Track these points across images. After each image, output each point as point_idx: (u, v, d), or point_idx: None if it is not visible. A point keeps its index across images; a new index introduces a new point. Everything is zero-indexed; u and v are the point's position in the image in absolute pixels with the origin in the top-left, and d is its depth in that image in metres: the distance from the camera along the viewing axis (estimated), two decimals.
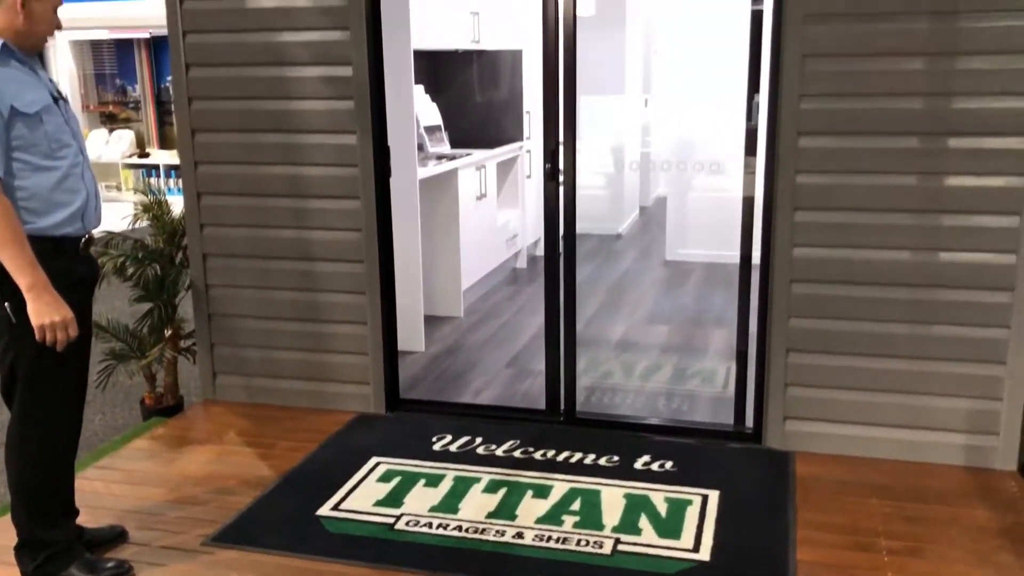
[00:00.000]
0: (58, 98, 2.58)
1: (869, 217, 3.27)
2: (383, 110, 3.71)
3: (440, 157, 5.46)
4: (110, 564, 2.73)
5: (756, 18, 3.33)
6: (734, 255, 6.49)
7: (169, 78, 10.33)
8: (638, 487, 3.22)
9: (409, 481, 3.31)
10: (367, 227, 3.75)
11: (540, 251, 7.14)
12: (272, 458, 3.53)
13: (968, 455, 3.34)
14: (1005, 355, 3.22)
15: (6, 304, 2.44)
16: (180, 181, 3.96)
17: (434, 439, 3.66)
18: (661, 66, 8.61)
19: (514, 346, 4.87)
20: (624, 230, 7.90)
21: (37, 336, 2.41)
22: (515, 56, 6.37)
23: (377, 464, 3.45)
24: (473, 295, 5.78)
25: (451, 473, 3.36)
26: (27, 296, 2.38)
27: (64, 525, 2.71)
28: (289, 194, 3.81)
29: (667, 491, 3.19)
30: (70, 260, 2.58)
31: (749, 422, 3.61)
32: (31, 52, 2.56)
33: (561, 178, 3.62)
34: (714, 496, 3.15)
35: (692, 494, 3.17)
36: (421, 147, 5.46)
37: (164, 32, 3.85)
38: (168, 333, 4.04)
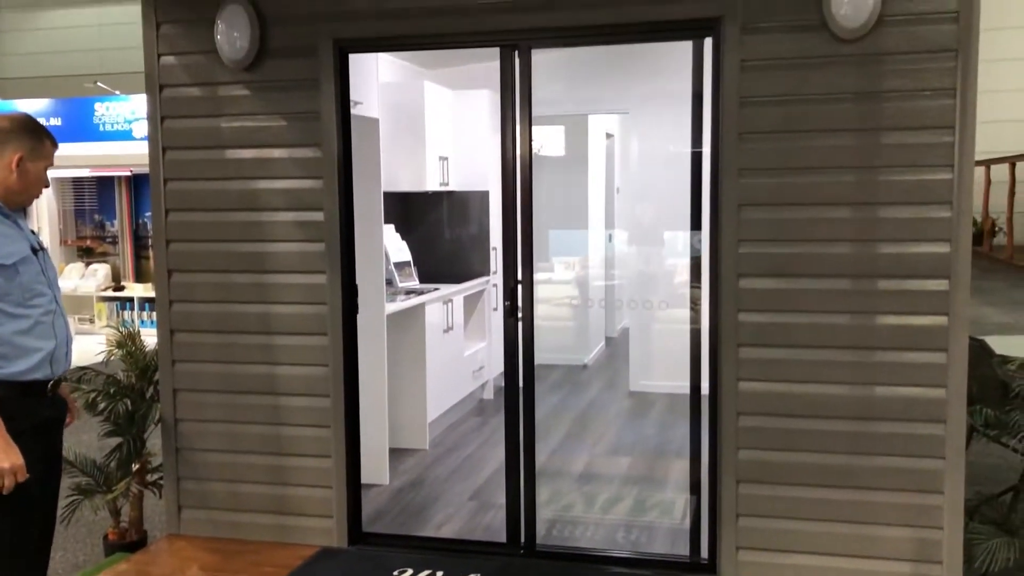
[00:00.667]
0: (38, 249, 2.73)
1: (808, 353, 3.48)
2: (352, 251, 3.92)
3: (409, 292, 5.67)
4: None
5: (696, 159, 3.63)
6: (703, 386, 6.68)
7: (148, 213, 10.65)
8: None
9: None
10: (334, 362, 3.89)
11: None
12: None
13: None
14: (942, 485, 3.37)
15: None
16: (154, 314, 4.11)
17: (395, 572, 3.69)
18: (622, 202, 9.05)
19: (478, 479, 4.95)
20: (590, 361, 8.08)
21: None
22: (483, 196, 6.70)
23: None
24: (439, 427, 5.88)
25: None
26: None
27: None
28: (260, 331, 3.97)
29: None
30: (36, 403, 2.67)
31: (704, 553, 3.69)
32: (18, 208, 2.74)
33: (520, 314, 3.82)
34: None
35: None
36: (390, 282, 5.68)
37: (145, 170, 4.09)
38: (136, 467, 4.10)
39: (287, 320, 3.94)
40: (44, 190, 2.85)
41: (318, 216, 3.86)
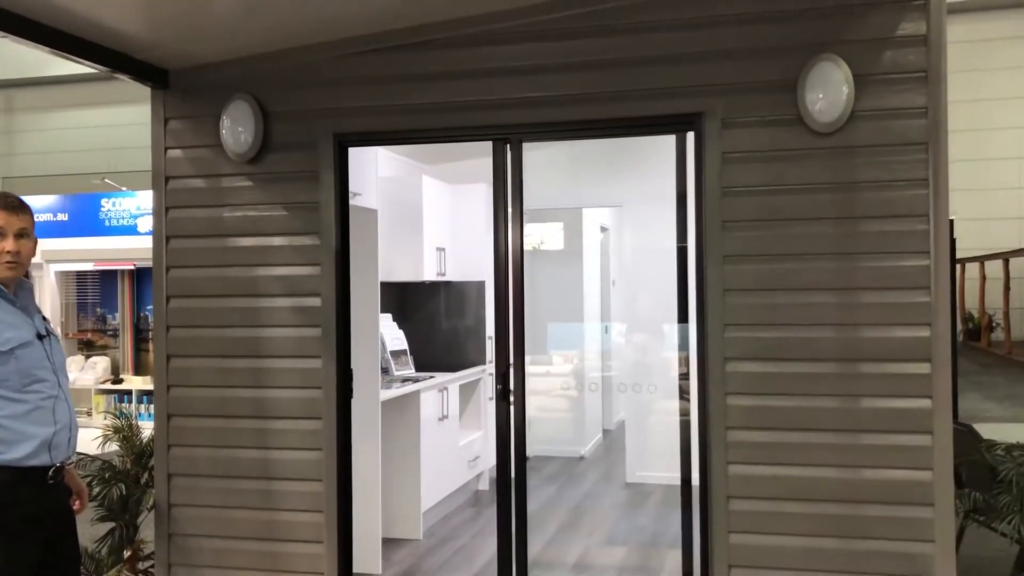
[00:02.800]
0: (44, 335, 2.76)
1: (796, 436, 3.52)
2: (348, 336, 4.01)
3: (405, 380, 5.72)
4: None
5: (682, 253, 3.75)
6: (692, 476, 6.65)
7: (149, 307, 10.79)
8: None
9: None
10: (327, 446, 3.93)
11: None
12: None
13: None
14: (932, 569, 3.37)
15: None
16: (152, 407, 4.17)
17: None
18: (618, 294, 9.18)
19: (471, 570, 4.91)
20: (587, 452, 8.06)
21: None
22: (479, 286, 6.82)
23: None
24: (433, 516, 5.85)
25: None
26: None
27: None
28: (256, 415, 4.02)
29: None
30: (36, 490, 2.66)
31: None
32: (7, 284, 2.73)
33: (511, 398, 3.87)
34: None
35: None
36: (386, 370, 5.75)
37: (148, 263, 4.21)
38: (127, 554, 4.09)
39: (282, 404, 3.99)
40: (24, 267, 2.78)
41: (315, 302, 3.96)
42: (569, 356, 8.00)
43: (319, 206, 3.96)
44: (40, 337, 2.76)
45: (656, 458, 7.05)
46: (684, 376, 3.76)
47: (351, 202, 4.08)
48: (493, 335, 7.06)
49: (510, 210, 3.88)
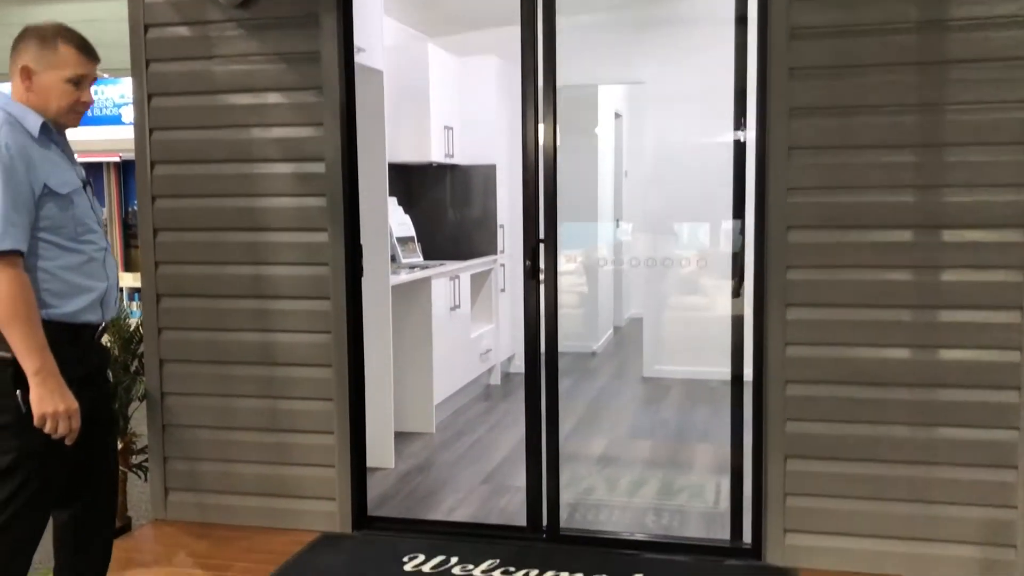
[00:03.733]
0: (86, 183, 2.47)
1: (864, 313, 3.14)
2: (356, 206, 3.57)
3: (413, 267, 5.31)
4: None
5: (739, 147, 3.28)
6: (713, 371, 6.32)
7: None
8: None
9: None
10: (336, 329, 3.54)
11: (514, 368, 6.94)
12: None
13: (984, 569, 3.09)
14: (1015, 458, 3.03)
15: (18, 392, 2.25)
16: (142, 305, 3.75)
17: (405, 559, 3.34)
18: (631, 189, 8.72)
19: (489, 463, 4.59)
20: (599, 348, 7.74)
21: (36, 422, 2.23)
22: (489, 170, 6.35)
23: None
24: (445, 410, 5.53)
25: None
26: (32, 381, 2.22)
27: None
28: (254, 295, 3.61)
29: None
30: (85, 350, 2.43)
31: (747, 537, 3.34)
32: (60, 130, 2.44)
33: (542, 276, 3.47)
34: None
35: None
36: (394, 258, 5.33)
37: (134, 156, 3.70)
38: (119, 447, 3.73)
39: (285, 282, 3.58)
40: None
41: (318, 167, 3.51)
42: (578, 255, 7.60)
43: (320, 57, 3.46)
44: (84, 185, 2.46)
45: (674, 352, 6.74)
46: (738, 273, 3.34)
47: (355, 58, 3.57)
48: (506, 223, 6.68)
49: (540, 76, 3.39)
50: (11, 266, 2.21)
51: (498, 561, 3.30)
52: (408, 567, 3.27)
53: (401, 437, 4.95)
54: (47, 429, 2.23)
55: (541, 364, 3.53)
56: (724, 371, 6.43)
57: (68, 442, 2.28)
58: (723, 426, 5.31)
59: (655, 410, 5.74)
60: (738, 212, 3.31)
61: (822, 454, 3.19)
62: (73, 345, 2.36)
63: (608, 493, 4.14)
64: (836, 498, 3.19)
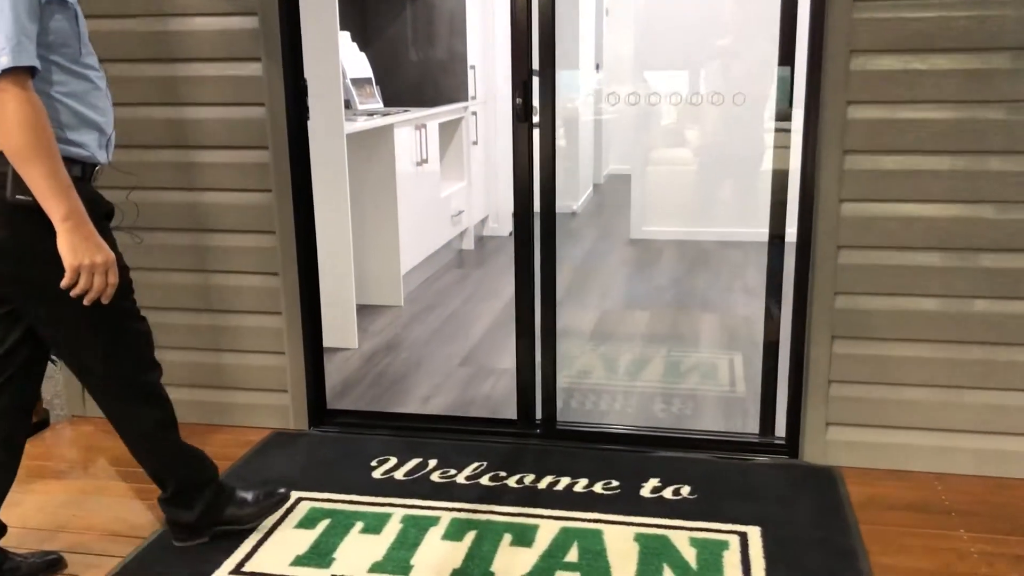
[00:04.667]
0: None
1: (940, 161, 2.51)
2: (297, 27, 2.81)
3: (371, 114, 4.56)
4: (277, 491, 2.44)
5: None
6: (708, 231, 5.73)
7: None
8: (651, 524, 2.40)
9: (342, 525, 2.43)
10: (279, 186, 2.85)
11: (489, 231, 6.30)
12: (154, 496, 2.61)
13: None
14: None
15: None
16: None
17: (373, 463, 2.78)
18: (614, 26, 7.86)
19: (467, 340, 4.01)
20: (579, 207, 7.10)
21: (67, 280, 1.87)
22: (457, 2, 5.49)
23: (298, 501, 2.56)
24: (414, 280, 4.91)
25: (399, 512, 2.49)
26: (61, 228, 1.85)
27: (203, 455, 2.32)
28: (175, 144, 2.88)
29: (691, 529, 2.38)
30: (95, 192, 2.04)
31: (780, 430, 2.83)
32: None
33: (537, 118, 2.77)
34: (754, 534, 2.35)
35: (725, 533, 2.36)
36: (348, 104, 4.57)
37: None
38: None
39: (210, 127, 2.85)
40: None
41: None
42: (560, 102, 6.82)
43: None
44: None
45: (664, 212, 6.13)
46: (784, 116, 2.65)
47: None
48: (477, 64, 5.88)
49: None
50: (25, 88, 1.78)
51: (485, 464, 2.76)
52: (377, 473, 2.72)
53: (365, 312, 4.34)
54: (81, 285, 1.88)
55: (534, 224, 2.89)
56: (721, 231, 5.86)
57: (105, 300, 1.93)
58: (726, 293, 4.81)
59: (648, 276, 5.17)
60: (786, 53, 2.62)
61: (877, 334, 2.63)
62: (85, 185, 1.98)
63: (607, 375, 3.59)
64: (891, 386, 2.66)
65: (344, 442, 2.95)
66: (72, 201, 1.84)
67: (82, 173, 1.97)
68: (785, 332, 2.77)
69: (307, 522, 2.45)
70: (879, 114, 2.51)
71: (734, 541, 2.32)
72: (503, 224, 6.29)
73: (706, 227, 5.90)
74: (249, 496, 2.40)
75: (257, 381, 3.04)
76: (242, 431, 3.05)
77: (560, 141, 7.04)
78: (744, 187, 5.93)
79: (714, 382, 3.46)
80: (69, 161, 1.90)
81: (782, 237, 2.77)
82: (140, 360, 2.15)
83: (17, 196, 1.84)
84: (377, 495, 2.59)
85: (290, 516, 2.48)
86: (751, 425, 3.01)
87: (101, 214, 2.02)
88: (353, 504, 2.54)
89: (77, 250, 1.85)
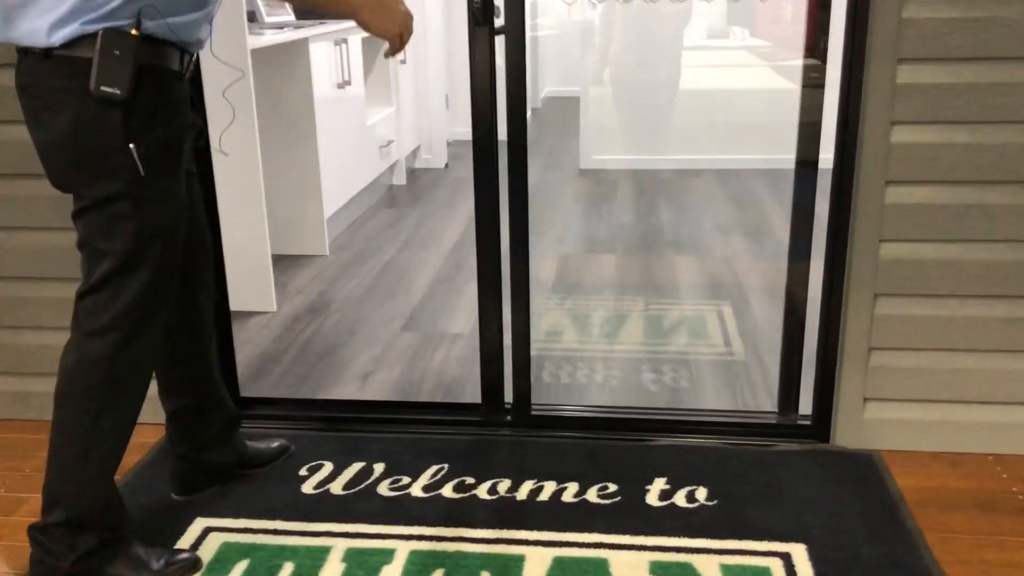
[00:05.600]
0: None
1: (1012, 71, 1.98)
2: None
3: (281, 27, 3.81)
4: (182, 556, 1.84)
5: None
6: (668, 159, 5.17)
7: None
8: (669, 548, 1.88)
9: (265, 568, 1.84)
10: None
11: (421, 163, 5.63)
12: (19, 517, 1.98)
13: None
14: None
15: (131, 145, 1.55)
16: None
17: (303, 471, 2.19)
18: None
19: (409, 298, 3.40)
20: None
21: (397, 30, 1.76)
22: None
23: (206, 533, 1.96)
24: (339, 224, 4.25)
25: (340, 544, 1.91)
26: (360, 14, 1.73)
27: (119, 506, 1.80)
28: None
29: (719, 552, 1.86)
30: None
31: (803, 407, 2.32)
32: None
33: (500, 21, 2.13)
34: (799, 555, 1.84)
35: (762, 555, 1.85)
36: (253, 15, 3.80)
37: None
38: None
39: None
40: None
41: None
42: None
43: None
44: None
45: (618, 139, 5.57)
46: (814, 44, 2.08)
47: None
48: None
49: None
50: None
51: (446, 467, 2.19)
52: (309, 486, 2.13)
53: (283, 265, 3.68)
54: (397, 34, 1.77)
55: (496, 149, 2.28)
56: (681, 159, 5.31)
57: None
58: (697, 231, 4.27)
59: (607, 213, 4.60)
60: None
61: (932, 290, 2.13)
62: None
63: (579, 338, 3.03)
64: (943, 352, 2.17)
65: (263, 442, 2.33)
66: None
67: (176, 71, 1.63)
68: (802, 293, 2.25)
69: (219, 565, 1.85)
70: (944, 12, 1.95)
71: (776, 567, 1.81)
72: (437, 155, 5.62)
73: (664, 154, 5.36)
74: (153, 561, 1.80)
75: None
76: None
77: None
78: (710, 107, 5.38)
79: (705, 341, 2.94)
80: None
81: (814, 164, 2.20)
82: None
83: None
84: (311, 519, 2.00)
85: (198, 552, 1.88)
86: (761, 398, 2.51)
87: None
88: (279, 534, 1.95)
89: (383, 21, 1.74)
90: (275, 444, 2.24)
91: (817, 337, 2.24)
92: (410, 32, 1.79)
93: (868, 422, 2.23)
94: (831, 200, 2.14)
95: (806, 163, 2.20)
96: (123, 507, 1.79)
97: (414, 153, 5.54)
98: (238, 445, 2.14)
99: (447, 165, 5.63)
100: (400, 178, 5.20)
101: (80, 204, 1.61)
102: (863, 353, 2.18)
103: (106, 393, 1.66)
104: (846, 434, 2.25)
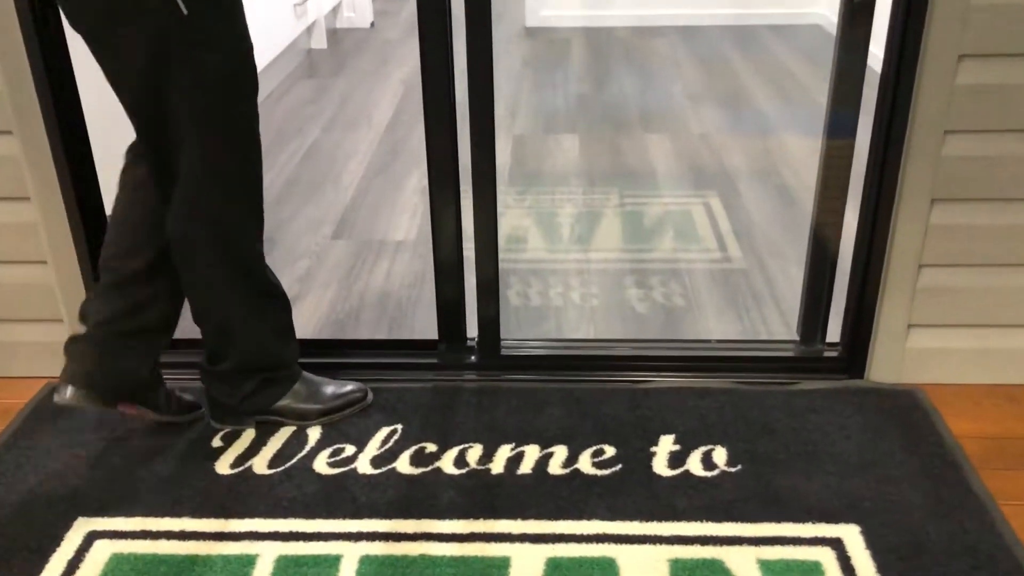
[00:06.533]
0: None
1: None
2: None
3: None
4: (348, 388, 1.77)
5: None
6: (626, 16, 4.58)
7: None
8: (690, 537, 1.49)
9: None
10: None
11: (343, 23, 4.93)
12: None
13: None
14: None
15: None
16: None
17: (217, 442, 1.72)
18: None
19: (339, 193, 2.86)
20: None
21: None
22: None
23: (91, 540, 1.50)
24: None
25: (268, 548, 1.48)
26: None
27: (289, 335, 1.71)
28: None
29: (754, 541, 1.48)
30: None
31: (832, 336, 1.92)
32: None
33: None
34: (854, 542, 1.47)
35: (808, 543, 1.48)
36: None
37: None
38: None
39: None
40: None
41: None
42: None
43: None
44: None
45: None
46: None
47: None
48: None
49: None
50: None
51: (399, 429, 1.74)
52: (224, 464, 1.67)
53: None
54: None
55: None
56: (639, 14, 4.71)
57: None
58: (666, 100, 3.73)
59: (562, 80, 4.03)
60: None
61: (999, 192, 1.70)
62: None
63: (547, 243, 2.54)
64: (1011, 268, 1.77)
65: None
66: None
67: None
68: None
69: None
70: None
71: (827, 559, 1.44)
72: (361, 13, 4.91)
73: (620, 9, 4.76)
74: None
75: (15, 306, 1.87)
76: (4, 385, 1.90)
77: None
78: None
79: (696, 244, 2.49)
80: None
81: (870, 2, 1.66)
82: None
83: None
84: (229, 513, 1.55)
85: (81, 569, 1.43)
86: (771, 318, 2.11)
87: None
88: (188, 538, 1.50)
89: None
90: (188, 398, 1.77)
91: (853, 249, 1.81)
92: None
93: (911, 352, 1.85)
94: (883, 74, 1.65)
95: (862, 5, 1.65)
96: (282, 344, 1.69)
97: (334, 11, 4.82)
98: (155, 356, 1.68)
99: (373, 24, 4.93)
100: (320, 41, 4.51)
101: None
102: (912, 270, 1.77)
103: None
104: (883, 367, 1.86)
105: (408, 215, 2.66)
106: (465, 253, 1.87)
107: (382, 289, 2.27)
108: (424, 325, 2.07)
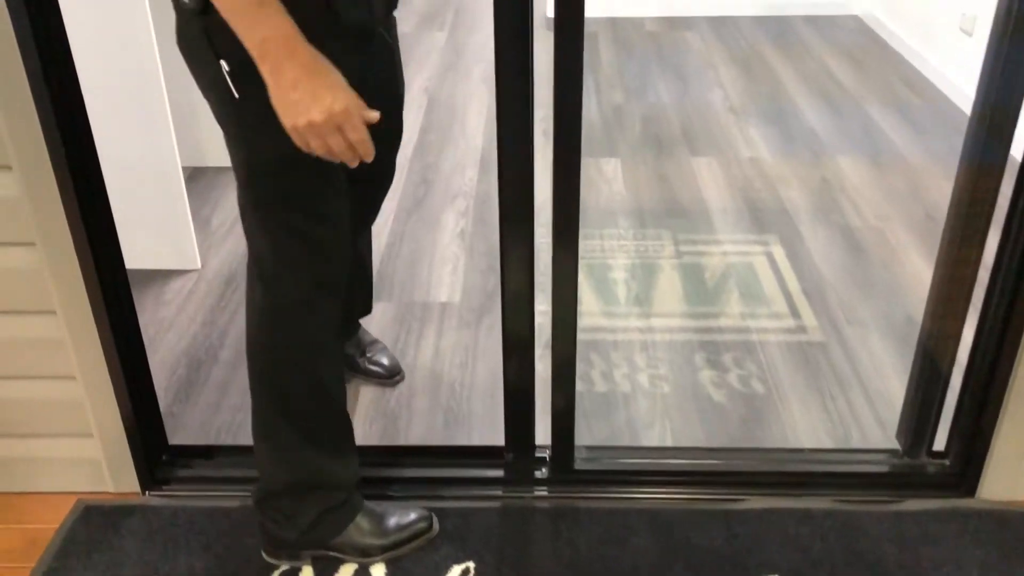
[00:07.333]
0: None
1: None
2: None
3: None
4: (412, 517, 1.60)
5: None
6: (654, 5, 4.33)
7: None
8: None
9: None
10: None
11: None
12: None
13: None
14: None
15: (222, 62, 1.17)
16: None
17: None
18: None
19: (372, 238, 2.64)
20: None
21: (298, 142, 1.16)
22: None
23: None
24: None
25: None
26: (262, 68, 1.11)
27: (347, 455, 1.54)
28: None
29: None
30: None
31: (938, 442, 1.76)
32: None
33: None
34: None
35: None
36: None
37: None
38: None
39: None
40: None
41: None
42: None
43: None
44: None
45: None
46: None
47: None
48: None
49: None
50: None
51: (471, 568, 1.58)
52: None
53: (201, 181, 2.85)
54: (313, 148, 1.16)
55: None
56: (666, 4, 4.45)
57: (353, 165, 1.20)
58: (706, 113, 3.48)
59: (593, 86, 3.78)
60: None
61: None
62: None
63: (603, 308, 2.35)
64: None
65: (204, 518, 1.67)
66: (272, 21, 1.08)
67: None
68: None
69: None
70: None
71: None
72: None
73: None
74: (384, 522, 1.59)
75: (42, 421, 1.68)
76: (25, 507, 1.72)
77: None
78: None
79: (765, 306, 2.31)
80: None
81: None
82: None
83: None
84: None
85: None
86: (859, 405, 1.94)
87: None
88: None
89: (286, 104, 1.11)
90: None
91: (969, 358, 1.64)
92: (322, 143, 1.15)
93: None
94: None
95: None
96: (342, 469, 1.53)
97: None
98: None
99: None
100: None
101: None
102: None
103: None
104: (998, 483, 1.70)
105: (449, 269, 2.46)
106: (538, 341, 1.67)
107: (430, 369, 2.08)
108: (482, 420, 1.90)
